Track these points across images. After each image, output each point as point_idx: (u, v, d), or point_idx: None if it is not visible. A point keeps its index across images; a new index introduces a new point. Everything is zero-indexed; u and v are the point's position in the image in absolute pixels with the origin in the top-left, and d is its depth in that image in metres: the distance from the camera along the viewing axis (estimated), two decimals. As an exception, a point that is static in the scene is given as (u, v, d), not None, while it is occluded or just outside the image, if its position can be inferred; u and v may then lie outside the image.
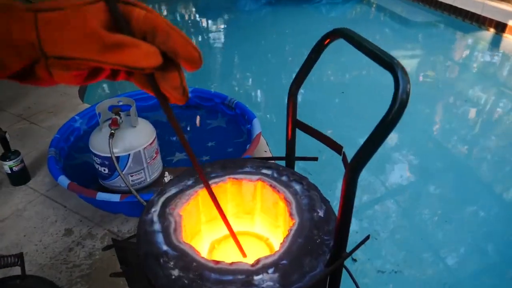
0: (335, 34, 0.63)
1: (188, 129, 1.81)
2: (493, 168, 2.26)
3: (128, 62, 0.31)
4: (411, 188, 2.04)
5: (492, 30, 3.78)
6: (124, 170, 1.32)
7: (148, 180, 1.41)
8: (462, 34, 4.02)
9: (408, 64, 3.42)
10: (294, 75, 0.71)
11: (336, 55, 3.01)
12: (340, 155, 0.66)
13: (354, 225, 1.76)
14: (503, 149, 2.40)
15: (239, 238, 0.79)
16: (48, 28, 0.31)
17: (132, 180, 1.36)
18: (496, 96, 3.03)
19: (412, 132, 2.42)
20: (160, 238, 0.62)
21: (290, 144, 0.77)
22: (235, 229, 0.80)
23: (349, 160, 0.63)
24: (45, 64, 0.32)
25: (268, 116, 2.65)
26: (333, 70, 3.26)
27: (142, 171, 1.37)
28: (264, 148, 1.73)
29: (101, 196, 1.25)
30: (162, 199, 0.70)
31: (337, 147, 0.66)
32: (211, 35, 4.20)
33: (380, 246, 1.70)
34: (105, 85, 2.96)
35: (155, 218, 0.66)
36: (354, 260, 1.62)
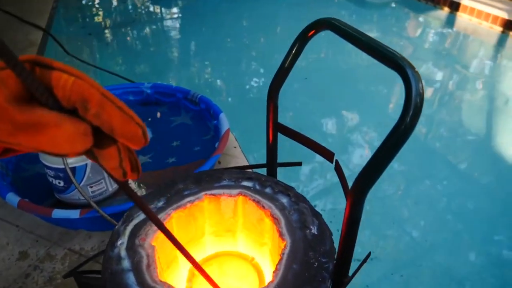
0: (320, 25, 0.54)
1: (150, 129, 1.68)
2: (450, 142, 2.33)
3: (47, 147, 0.25)
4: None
5: (446, 9, 3.84)
6: (82, 182, 1.19)
7: (110, 189, 1.28)
8: (417, 14, 4.07)
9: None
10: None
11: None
12: (332, 162, 0.58)
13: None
14: (457, 124, 2.47)
15: (221, 259, 0.71)
16: None
17: (92, 192, 1.23)
18: (449, 73, 3.10)
19: (370, 115, 2.42)
20: (131, 278, 0.52)
21: (272, 150, 0.68)
22: (215, 250, 0.72)
23: (343, 167, 0.56)
24: None
25: (231, 105, 2.55)
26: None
27: (102, 180, 1.24)
28: (233, 144, 1.64)
29: (58, 213, 1.12)
30: (129, 227, 0.59)
31: (327, 154, 0.59)
32: (165, 23, 4.00)
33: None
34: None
35: (123, 253, 0.56)
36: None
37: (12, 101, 0.24)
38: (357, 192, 0.42)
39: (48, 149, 0.25)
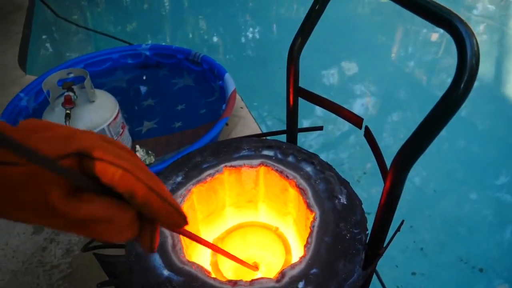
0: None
1: (146, 94, 1.62)
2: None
3: (98, 237, 0.27)
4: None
5: None
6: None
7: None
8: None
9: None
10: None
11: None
12: (360, 128, 0.54)
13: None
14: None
15: (244, 230, 0.69)
16: None
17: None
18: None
19: (373, 62, 2.35)
20: (157, 260, 0.50)
21: (292, 116, 0.64)
22: (237, 221, 0.70)
23: (374, 133, 0.52)
24: None
25: (230, 62, 2.47)
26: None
27: (119, 140, 1.21)
28: (239, 104, 1.59)
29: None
30: (150, 206, 0.57)
31: (355, 120, 0.55)
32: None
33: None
34: (48, 45, 2.65)
35: (146, 234, 0.53)
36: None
37: (64, 199, 0.25)
38: (399, 167, 0.39)
39: (99, 239, 0.28)
